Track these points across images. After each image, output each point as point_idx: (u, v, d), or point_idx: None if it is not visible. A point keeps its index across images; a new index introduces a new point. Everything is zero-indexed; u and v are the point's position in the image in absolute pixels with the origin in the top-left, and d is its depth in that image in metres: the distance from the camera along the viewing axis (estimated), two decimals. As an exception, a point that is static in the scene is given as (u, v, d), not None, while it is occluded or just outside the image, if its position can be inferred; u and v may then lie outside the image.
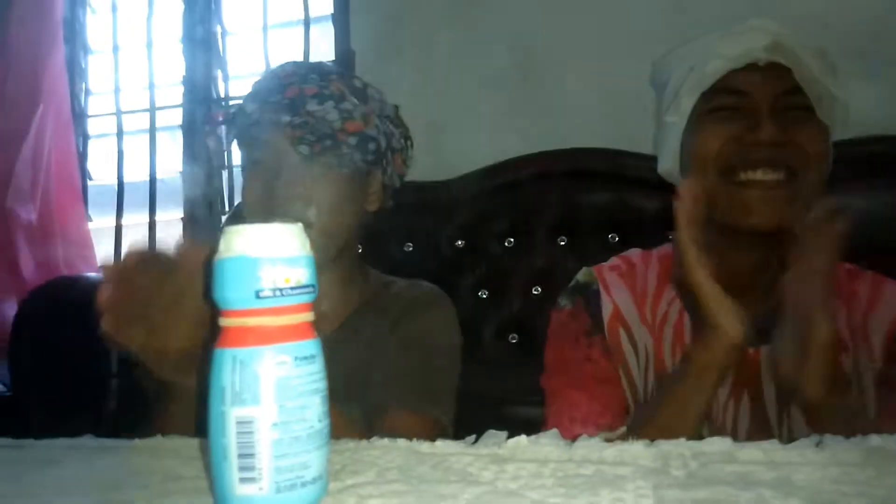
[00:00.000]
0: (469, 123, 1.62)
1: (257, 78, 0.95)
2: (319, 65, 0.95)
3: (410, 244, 1.53)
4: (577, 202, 1.48)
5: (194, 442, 0.59)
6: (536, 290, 1.45)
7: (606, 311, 0.85)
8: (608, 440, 0.67)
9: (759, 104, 0.78)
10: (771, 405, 0.80)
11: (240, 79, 1.96)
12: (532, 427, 0.62)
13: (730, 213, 0.78)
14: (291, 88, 0.88)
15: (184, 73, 1.94)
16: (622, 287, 0.86)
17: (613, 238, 1.41)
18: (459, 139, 1.62)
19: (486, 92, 1.61)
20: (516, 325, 1.46)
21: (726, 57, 0.78)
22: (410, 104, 1.66)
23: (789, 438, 0.73)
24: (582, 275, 0.90)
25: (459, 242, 1.52)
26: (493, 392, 1.24)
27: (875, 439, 0.46)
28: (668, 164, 0.86)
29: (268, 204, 0.88)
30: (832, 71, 0.80)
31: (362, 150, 0.89)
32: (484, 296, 1.48)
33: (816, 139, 0.79)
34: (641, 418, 0.76)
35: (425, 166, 1.61)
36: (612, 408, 0.81)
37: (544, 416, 0.86)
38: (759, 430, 0.79)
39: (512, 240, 1.50)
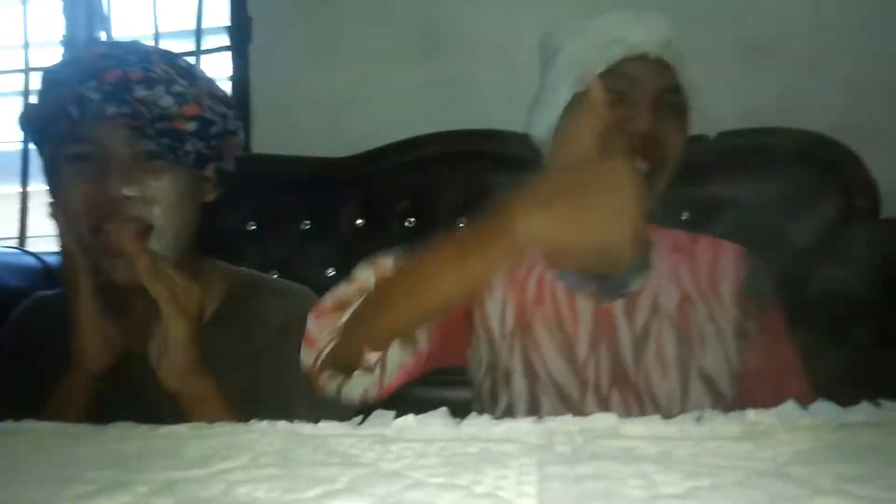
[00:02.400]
0: (374, 99, 1.58)
1: (53, 63, 0.84)
2: (134, 44, 0.85)
3: (308, 222, 1.49)
4: (479, 184, 1.47)
5: (51, 426, 0.54)
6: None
7: None
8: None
9: (643, 95, 0.81)
10: (628, 355, 0.83)
11: (126, 39, 1.84)
12: (428, 408, 0.61)
13: None
14: (112, 72, 0.78)
15: (63, 33, 1.80)
16: None
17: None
18: (363, 115, 1.58)
19: (393, 68, 1.58)
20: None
21: (626, 43, 0.80)
22: (312, 76, 1.62)
23: (644, 381, 0.80)
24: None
25: (359, 221, 1.48)
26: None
27: (751, 414, 0.47)
28: (540, 132, 0.89)
29: (99, 205, 0.79)
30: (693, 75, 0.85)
31: (204, 137, 0.82)
32: (383, 276, 1.46)
33: (679, 139, 0.84)
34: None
35: (327, 141, 1.58)
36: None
37: None
38: (620, 380, 0.82)
39: (413, 219, 1.48)
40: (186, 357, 0.78)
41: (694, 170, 1.27)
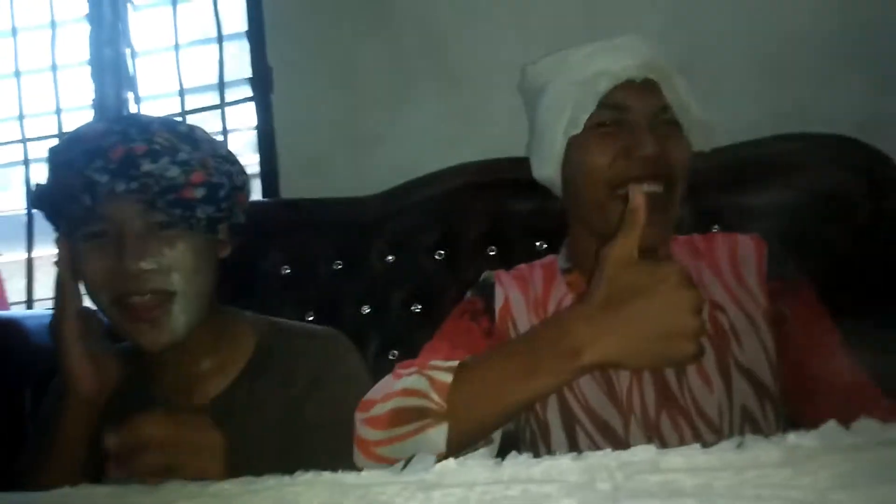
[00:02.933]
0: (394, 136, 1.61)
1: (57, 144, 0.87)
2: (134, 117, 0.87)
3: (340, 262, 1.51)
4: (503, 212, 1.48)
5: (104, 490, 0.56)
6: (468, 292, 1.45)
7: (499, 301, 0.92)
8: (433, 370, 0.70)
9: (639, 119, 0.83)
10: (671, 375, 0.83)
11: (152, 100, 1.90)
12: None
13: (612, 226, 0.79)
14: (115, 150, 0.79)
15: (93, 96, 1.87)
16: (514, 285, 0.93)
17: (541, 245, 1.42)
18: (385, 152, 1.61)
19: (410, 104, 1.61)
20: (450, 337, 1.45)
21: (609, 74, 0.82)
22: (333, 119, 1.65)
23: (691, 399, 0.79)
24: (483, 275, 0.98)
25: (390, 258, 1.50)
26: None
27: (792, 438, 0.47)
28: (548, 172, 0.91)
29: (118, 279, 0.81)
30: (692, 90, 0.86)
31: (213, 201, 0.84)
32: (417, 310, 1.47)
33: (684, 154, 0.85)
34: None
35: (351, 181, 1.60)
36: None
37: None
38: (665, 400, 0.82)
39: (442, 252, 1.49)
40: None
41: (721, 180, 1.28)
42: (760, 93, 1.41)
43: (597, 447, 0.79)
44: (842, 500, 0.36)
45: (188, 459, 0.69)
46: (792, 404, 0.81)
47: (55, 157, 0.85)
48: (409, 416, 0.70)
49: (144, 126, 0.83)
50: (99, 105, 1.85)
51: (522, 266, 0.98)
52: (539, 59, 0.93)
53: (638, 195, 0.67)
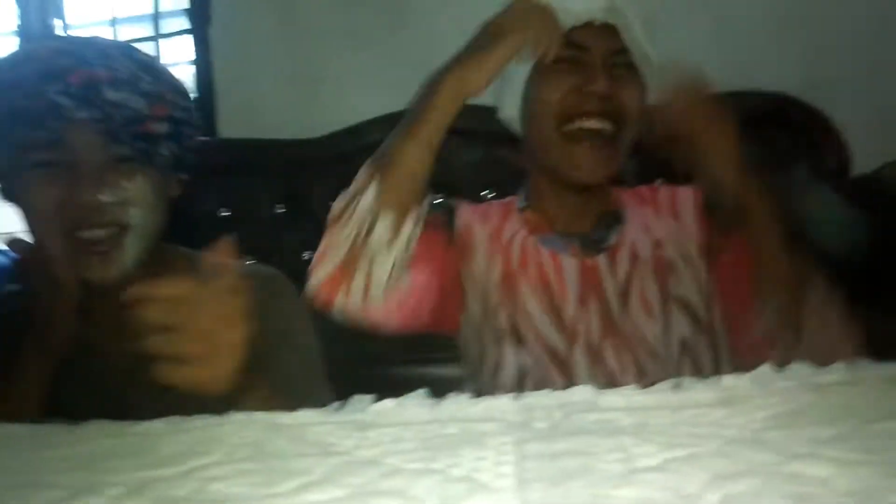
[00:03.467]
0: (341, 78, 1.56)
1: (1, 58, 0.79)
2: (90, 39, 0.81)
3: (282, 206, 1.47)
4: (451, 160, 1.46)
5: (22, 428, 0.53)
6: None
7: (460, 224, 0.93)
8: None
9: (594, 59, 0.85)
10: (615, 305, 0.86)
11: (80, 28, 1.79)
12: (411, 387, 0.60)
13: (560, 167, 0.86)
14: (76, 73, 0.74)
15: (17, 22, 1.75)
16: (474, 215, 0.95)
17: (488, 194, 1.41)
18: (331, 95, 1.56)
19: (357, 45, 1.55)
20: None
21: (570, 13, 0.83)
22: (276, 58, 1.58)
23: (633, 328, 0.83)
24: (444, 200, 0.98)
25: (333, 202, 1.47)
26: (370, 353, 1.22)
27: (727, 380, 0.47)
28: (511, 112, 0.93)
29: (71, 211, 0.75)
30: (651, 36, 0.87)
31: (176, 138, 0.80)
32: (360, 256, 1.45)
33: (637, 97, 0.87)
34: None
35: (294, 123, 1.55)
36: (422, 267, 0.86)
37: None
38: (609, 331, 0.85)
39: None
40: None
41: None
42: (708, 49, 1.41)
43: (545, 372, 0.82)
44: (775, 439, 0.36)
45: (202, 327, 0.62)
46: (733, 333, 0.85)
47: (7, 78, 0.76)
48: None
49: (102, 50, 0.77)
50: (24, 32, 1.73)
51: (477, 204, 0.99)
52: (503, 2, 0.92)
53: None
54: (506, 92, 0.92)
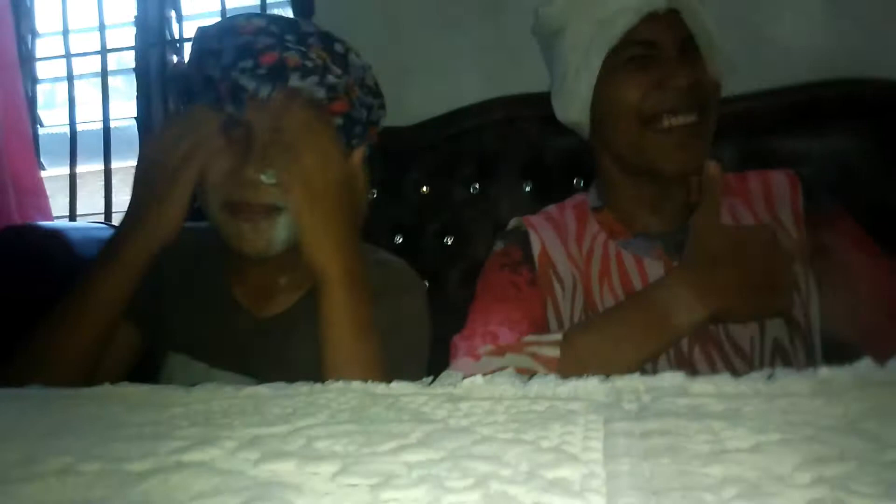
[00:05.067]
0: (434, 66, 1.58)
1: (208, 24, 0.83)
2: (294, 22, 0.83)
3: (374, 191, 1.51)
4: (542, 147, 1.46)
5: (143, 389, 0.58)
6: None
7: (536, 248, 0.91)
8: (533, 346, 0.70)
9: (667, 52, 0.83)
10: None
11: (194, 19, 1.89)
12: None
13: (650, 161, 0.84)
14: (268, 54, 0.77)
15: (135, 13, 1.86)
16: (548, 228, 0.93)
17: (579, 183, 1.41)
18: (424, 83, 1.58)
19: (451, 33, 1.57)
20: (482, 271, 1.46)
21: (629, 9, 0.81)
22: (374, 47, 1.62)
23: (724, 331, 0.80)
24: (512, 223, 0.97)
25: (424, 189, 1.50)
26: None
27: (824, 371, 0.47)
28: (574, 115, 0.91)
29: (233, 184, 0.80)
30: (713, 20, 0.85)
31: (347, 133, 0.82)
32: (449, 242, 1.47)
33: (713, 82, 0.85)
34: (585, 334, 0.77)
35: (390, 110, 1.59)
36: (530, 319, 0.84)
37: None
38: (700, 336, 0.84)
39: (477, 185, 1.48)
40: (320, 233, 0.76)
41: (772, 123, 1.24)
42: (813, 34, 1.35)
43: None
44: (872, 429, 0.36)
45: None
46: (852, 337, 0.80)
47: (202, 43, 0.82)
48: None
49: (302, 37, 0.80)
50: (141, 22, 1.85)
51: (550, 208, 0.98)
52: (552, 1, 0.90)
53: (713, 167, 0.74)
54: (569, 97, 0.89)
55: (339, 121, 0.81)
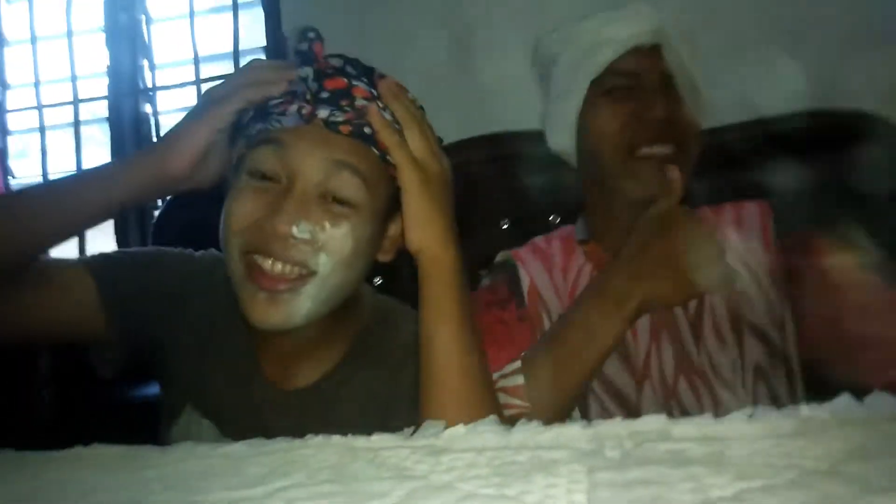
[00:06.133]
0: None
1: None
2: (358, 61, 0.75)
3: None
4: (516, 186, 1.47)
5: (116, 450, 0.57)
6: (483, 273, 1.44)
7: (525, 283, 0.91)
8: (499, 381, 0.69)
9: (648, 84, 0.85)
10: (689, 339, 0.84)
11: (167, 68, 1.89)
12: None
13: (629, 187, 0.85)
14: (335, 79, 0.69)
15: (108, 63, 1.86)
16: (535, 260, 0.93)
17: (555, 219, 1.41)
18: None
19: (423, 80, 1.59)
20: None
21: (616, 41, 0.84)
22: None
23: (708, 359, 0.80)
24: (500, 256, 0.97)
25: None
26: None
27: (805, 410, 0.47)
28: (563, 142, 0.92)
29: (259, 234, 0.68)
30: (695, 58, 0.88)
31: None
32: (428, 282, 1.47)
33: (692, 118, 0.87)
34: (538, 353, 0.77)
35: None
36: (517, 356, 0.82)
37: None
38: (683, 362, 0.84)
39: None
40: (432, 214, 0.69)
41: (740, 156, 1.26)
42: (782, 66, 1.38)
43: (608, 414, 0.80)
44: (855, 472, 0.36)
45: None
46: (835, 363, 0.80)
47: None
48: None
49: (369, 71, 0.74)
50: (114, 72, 1.85)
51: (537, 239, 0.98)
52: (551, 31, 0.93)
53: (673, 169, 0.75)
54: (555, 124, 0.92)
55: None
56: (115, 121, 1.84)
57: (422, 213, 0.69)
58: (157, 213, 1.76)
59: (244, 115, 0.72)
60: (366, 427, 0.60)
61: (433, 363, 0.69)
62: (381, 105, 0.71)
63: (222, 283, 0.75)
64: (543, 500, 0.36)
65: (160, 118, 1.86)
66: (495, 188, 1.47)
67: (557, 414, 0.73)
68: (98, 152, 1.94)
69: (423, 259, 0.70)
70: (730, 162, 1.27)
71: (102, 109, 1.87)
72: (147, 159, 0.73)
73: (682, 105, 0.85)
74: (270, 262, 0.68)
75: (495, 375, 0.74)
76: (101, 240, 1.86)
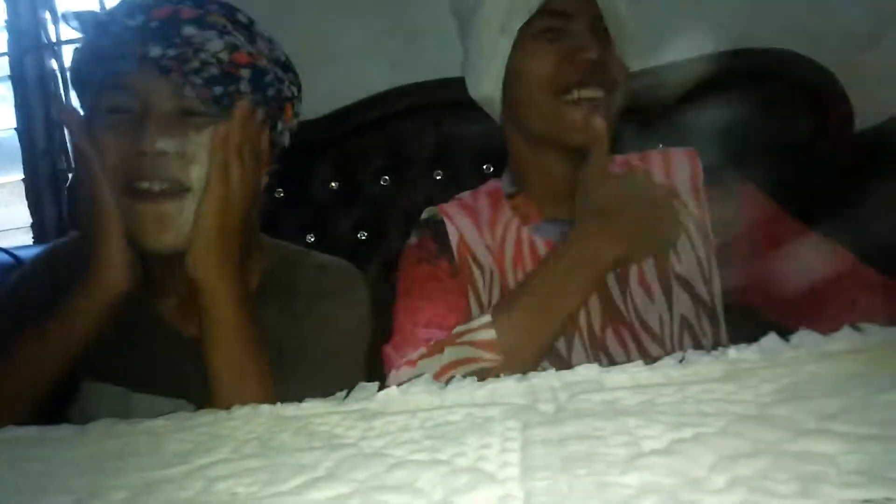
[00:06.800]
0: (333, 57, 1.53)
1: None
2: None
3: (281, 190, 1.46)
4: (450, 134, 1.44)
5: (31, 431, 0.53)
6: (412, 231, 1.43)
7: (453, 238, 0.89)
8: (466, 335, 0.69)
9: (579, 25, 0.83)
10: (615, 291, 0.85)
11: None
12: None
13: (559, 132, 0.83)
14: (161, 9, 0.70)
15: (6, 17, 1.73)
16: (463, 216, 0.91)
17: (488, 168, 1.40)
18: (324, 74, 1.53)
19: (350, 20, 1.53)
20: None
21: None
22: (268, 34, 1.56)
23: (634, 311, 0.82)
24: (426, 212, 0.95)
25: (334, 184, 1.46)
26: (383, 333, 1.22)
27: (732, 352, 0.47)
28: (488, 89, 0.88)
29: (131, 162, 0.71)
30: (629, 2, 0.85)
31: (258, 87, 0.74)
32: (363, 237, 1.44)
33: (621, 61, 0.85)
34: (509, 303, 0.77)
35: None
36: (457, 311, 0.83)
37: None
38: (610, 314, 0.84)
39: (387, 178, 1.45)
40: (218, 242, 0.71)
41: (664, 98, 1.27)
42: (703, 6, 1.38)
43: (541, 369, 0.81)
44: (784, 414, 0.36)
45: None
46: (779, 311, 0.82)
47: (93, 17, 0.74)
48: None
49: (199, 2, 0.74)
50: (12, 26, 1.72)
51: (464, 195, 0.97)
52: None
53: (598, 122, 0.77)
54: (481, 72, 0.88)
55: (245, 72, 0.73)
56: (18, 78, 1.71)
57: (207, 235, 0.71)
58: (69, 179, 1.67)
59: (84, 65, 0.75)
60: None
61: (213, 391, 0.71)
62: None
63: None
64: (476, 461, 0.35)
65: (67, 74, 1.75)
66: (427, 138, 1.44)
67: (529, 368, 0.72)
68: (4, 110, 1.81)
69: (200, 288, 0.72)
70: (653, 105, 1.28)
71: (4, 67, 1.74)
72: (94, 300, 0.74)
73: (612, 47, 0.83)
74: (147, 184, 0.71)
75: (461, 328, 0.73)
76: (17, 207, 1.76)
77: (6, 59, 1.73)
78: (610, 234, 0.74)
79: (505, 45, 0.84)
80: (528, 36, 0.83)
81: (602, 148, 0.77)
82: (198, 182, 0.72)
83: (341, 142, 1.46)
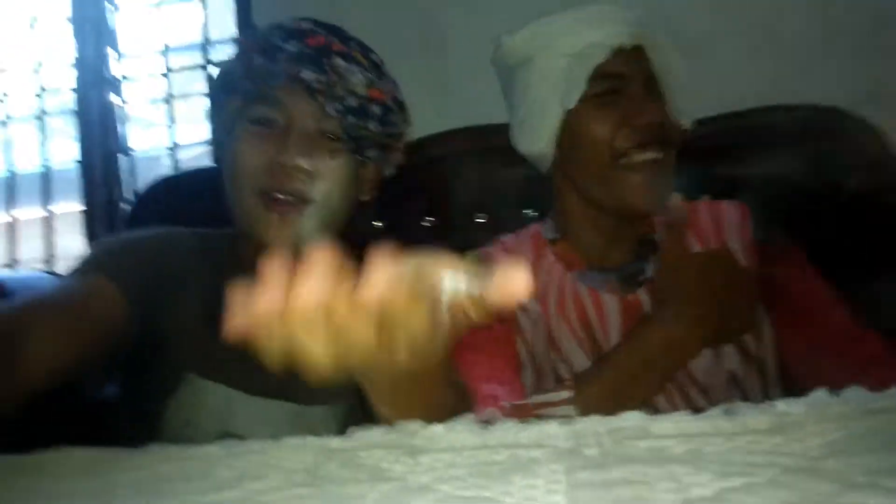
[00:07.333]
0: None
1: (247, 34, 0.88)
2: (338, 28, 0.86)
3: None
4: (492, 179, 1.47)
5: (85, 454, 0.55)
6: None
7: None
8: (545, 408, 0.69)
9: (635, 86, 0.83)
10: None
11: (133, 58, 1.85)
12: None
13: (618, 198, 0.83)
14: (315, 37, 0.79)
15: (75, 54, 1.82)
16: (505, 260, 0.89)
17: (530, 213, 1.41)
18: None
19: (397, 73, 1.58)
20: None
21: (601, 44, 0.81)
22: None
23: (684, 372, 0.81)
24: (469, 256, 0.93)
25: (377, 223, 1.48)
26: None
27: (780, 405, 0.47)
28: (539, 147, 0.89)
29: (268, 172, 0.78)
30: (677, 57, 0.87)
31: (385, 124, 0.83)
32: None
33: (676, 120, 0.85)
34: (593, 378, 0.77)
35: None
36: (511, 364, 0.84)
37: None
38: None
39: (431, 219, 1.47)
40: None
41: (710, 151, 1.27)
42: (752, 63, 1.39)
43: None
44: (833, 468, 0.36)
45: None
46: (794, 369, 0.81)
47: (250, 36, 0.85)
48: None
49: (345, 38, 0.83)
50: (80, 62, 1.80)
51: (506, 239, 0.97)
52: (514, 32, 0.90)
53: (676, 199, 0.80)
54: (534, 129, 0.88)
55: (377, 109, 0.82)
56: (82, 112, 1.79)
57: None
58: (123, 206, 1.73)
59: (234, 76, 0.82)
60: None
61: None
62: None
63: (223, 251, 0.86)
64: (522, 501, 0.36)
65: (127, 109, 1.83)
66: (471, 182, 1.46)
67: None
68: (64, 143, 1.89)
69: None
70: (702, 157, 1.28)
71: (69, 101, 1.83)
72: None
73: (667, 107, 0.84)
74: (279, 194, 0.79)
75: (539, 399, 0.74)
76: (70, 237, 1.82)
77: (68, 93, 1.81)
78: (696, 320, 0.75)
79: (560, 109, 0.85)
80: (585, 99, 0.83)
81: (681, 226, 0.78)
82: (318, 196, 0.80)
83: (386, 182, 1.49)
